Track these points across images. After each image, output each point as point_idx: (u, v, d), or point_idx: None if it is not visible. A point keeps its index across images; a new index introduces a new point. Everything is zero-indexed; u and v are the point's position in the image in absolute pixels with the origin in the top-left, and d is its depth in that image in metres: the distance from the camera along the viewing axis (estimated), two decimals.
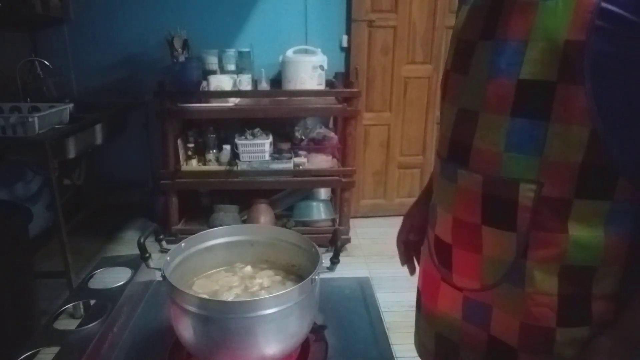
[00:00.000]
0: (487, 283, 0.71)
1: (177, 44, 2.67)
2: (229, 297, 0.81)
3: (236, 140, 2.68)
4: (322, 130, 2.92)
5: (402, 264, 1.03)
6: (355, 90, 2.69)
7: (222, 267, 0.91)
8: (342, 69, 3.10)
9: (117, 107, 2.80)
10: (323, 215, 2.89)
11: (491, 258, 0.70)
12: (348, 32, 3.05)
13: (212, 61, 2.79)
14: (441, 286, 0.79)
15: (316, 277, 0.75)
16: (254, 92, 2.86)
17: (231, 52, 2.83)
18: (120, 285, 0.95)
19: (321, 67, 2.76)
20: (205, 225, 2.76)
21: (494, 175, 0.67)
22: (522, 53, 0.62)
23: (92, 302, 0.93)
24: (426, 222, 0.87)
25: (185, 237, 0.86)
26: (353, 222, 3.02)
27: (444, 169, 0.77)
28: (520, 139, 0.64)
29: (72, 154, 2.15)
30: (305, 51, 2.86)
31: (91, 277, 1.00)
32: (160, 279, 0.75)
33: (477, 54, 0.69)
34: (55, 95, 2.67)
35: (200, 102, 2.69)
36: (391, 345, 0.86)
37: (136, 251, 0.80)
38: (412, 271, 1.01)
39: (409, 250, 1.01)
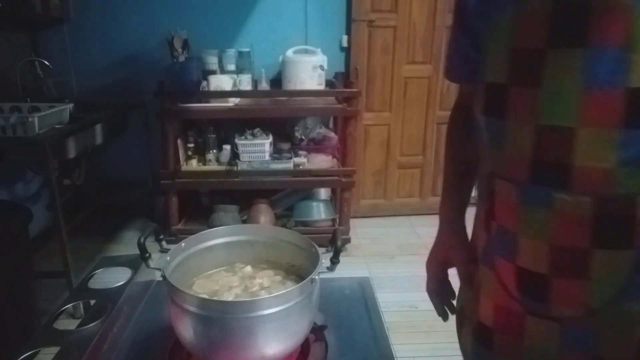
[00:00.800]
0: (595, 307, 0.66)
1: (177, 44, 2.67)
2: (229, 297, 0.81)
3: (236, 140, 2.69)
4: (322, 130, 2.92)
5: (439, 313, 0.97)
6: (355, 90, 2.69)
7: (222, 267, 0.91)
8: (342, 69, 3.10)
9: (117, 107, 2.80)
10: (323, 215, 2.89)
11: (601, 281, 0.65)
12: (348, 32, 3.05)
13: (212, 61, 2.79)
14: (527, 320, 0.72)
15: (316, 277, 0.75)
16: (254, 92, 2.86)
17: (231, 52, 2.83)
18: (120, 285, 0.95)
19: (321, 67, 2.76)
20: (205, 225, 2.76)
21: (607, 194, 0.61)
22: (626, 60, 0.57)
23: (92, 302, 0.93)
24: (469, 258, 0.81)
25: (185, 237, 0.86)
26: (353, 222, 3.02)
27: (527, 194, 0.68)
28: (638, 151, 0.59)
29: (72, 154, 2.15)
30: (305, 51, 2.86)
31: (91, 277, 1.00)
32: (160, 279, 0.75)
33: (552, 64, 0.63)
34: (55, 95, 2.67)
35: (200, 102, 2.69)
36: (391, 345, 0.86)
37: (136, 251, 0.80)
38: (446, 318, 0.96)
39: (445, 297, 0.96)
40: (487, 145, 0.73)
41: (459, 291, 0.90)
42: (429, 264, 0.96)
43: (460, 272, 0.88)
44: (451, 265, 0.93)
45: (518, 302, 0.72)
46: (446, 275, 0.95)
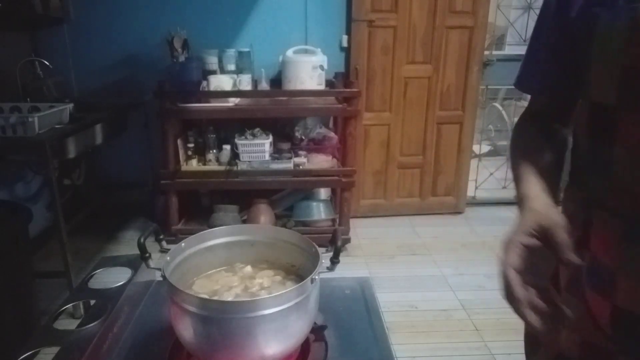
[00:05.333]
0: None
1: (177, 44, 2.67)
2: (229, 297, 0.81)
3: (236, 140, 2.69)
4: (322, 130, 2.93)
5: (522, 312, 0.58)
6: (355, 90, 2.69)
7: (222, 267, 0.91)
8: (342, 69, 3.10)
9: (117, 107, 2.80)
10: (323, 215, 2.89)
11: None
12: (348, 32, 3.05)
13: (212, 61, 2.79)
14: (619, 359, 0.67)
15: (316, 277, 0.75)
16: (254, 92, 2.86)
17: (231, 52, 2.83)
18: (120, 285, 0.95)
19: (321, 67, 2.76)
20: (205, 225, 2.76)
21: None
22: None
23: (92, 302, 0.93)
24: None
25: (185, 237, 0.86)
26: (353, 222, 3.03)
27: (634, 232, 0.60)
28: None
29: (72, 154, 2.15)
30: (305, 51, 2.86)
31: (91, 277, 1.00)
32: (160, 279, 0.74)
33: None
34: (55, 95, 2.67)
35: (200, 102, 2.69)
36: (391, 345, 0.86)
37: (136, 251, 0.80)
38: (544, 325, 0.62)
39: (538, 278, 0.62)
40: (588, 169, 0.65)
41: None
42: (513, 231, 0.63)
43: (561, 242, 0.57)
44: (545, 237, 0.60)
45: (610, 341, 0.66)
46: (538, 243, 0.61)
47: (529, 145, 0.77)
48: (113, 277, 0.98)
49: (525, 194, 0.69)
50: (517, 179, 0.74)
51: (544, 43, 0.72)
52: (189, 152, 2.81)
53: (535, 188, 0.69)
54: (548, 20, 0.71)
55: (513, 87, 0.83)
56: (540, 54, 0.74)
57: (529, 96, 0.83)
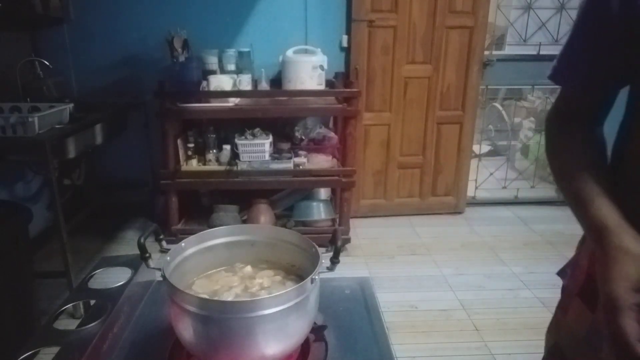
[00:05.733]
0: None
1: (177, 44, 2.67)
2: (229, 297, 0.81)
3: (236, 140, 2.68)
4: (322, 130, 2.93)
5: None
6: (355, 90, 2.69)
7: (222, 267, 0.91)
8: (342, 69, 3.10)
9: (117, 107, 2.80)
10: (323, 215, 2.89)
11: None
12: (348, 32, 3.05)
13: (212, 61, 2.79)
14: None
15: (316, 277, 0.75)
16: (254, 92, 2.86)
17: (231, 52, 2.83)
18: (120, 285, 0.95)
19: (321, 67, 2.76)
20: (205, 225, 2.76)
21: None
22: None
23: (92, 302, 0.93)
24: None
25: (185, 237, 0.86)
26: (353, 222, 3.03)
27: None
28: None
29: (72, 154, 2.15)
30: (305, 51, 2.86)
31: (91, 277, 1.00)
32: (160, 279, 0.74)
33: None
34: (55, 95, 2.67)
35: (200, 102, 2.69)
36: (391, 345, 0.86)
37: (136, 251, 0.80)
38: None
39: None
40: None
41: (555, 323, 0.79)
42: (616, 284, 0.54)
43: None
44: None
45: None
46: None
47: (580, 158, 0.69)
48: (113, 277, 0.98)
49: (603, 223, 0.59)
50: (581, 202, 0.64)
51: (586, 35, 0.69)
52: (189, 152, 2.81)
53: (613, 216, 0.60)
54: (590, 11, 0.68)
55: (550, 80, 0.76)
56: (582, 45, 0.70)
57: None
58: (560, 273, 0.83)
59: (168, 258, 0.80)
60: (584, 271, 0.72)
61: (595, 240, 0.60)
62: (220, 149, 2.78)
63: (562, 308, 0.79)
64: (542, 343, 0.84)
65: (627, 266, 0.54)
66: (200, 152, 2.82)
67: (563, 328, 0.76)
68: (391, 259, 2.79)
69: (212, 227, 0.91)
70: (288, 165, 2.73)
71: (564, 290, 0.81)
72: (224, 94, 2.71)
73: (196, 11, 2.96)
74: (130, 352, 0.83)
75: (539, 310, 2.23)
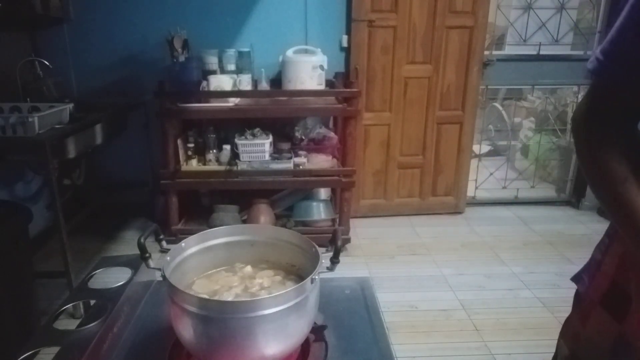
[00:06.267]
0: None
1: (177, 44, 2.67)
2: (229, 297, 0.81)
3: (236, 140, 2.68)
4: (322, 130, 2.93)
5: None
6: (355, 90, 2.69)
7: (222, 267, 0.91)
8: (342, 69, 3.10)
9: (117, 107, 2.79)
10: (323, 215, 2.89)
11: None
12: (348, 32, 3.05)
13: (212, 61, 2.79)
14: None
15: (316, 277, 0.75)
16: (254, 92, 2.86)
17: (231, 52, 2.83)
18: (120, 285, 0.95)
19: (321, 67, 2.76)
20: (205, 225, 2.76)
21: None
22: None
23: (92, 302, 0.93)
24: None
25: (185, 237, 0.86)
26: (353, 222, 3.03)
27: None
28: None
29: (72, 154, 2.14)
30: (305, 51, 2.86)
31: (91, 277, 1.00)
32: (160, 279, 0.74)
33: None
34: (55, 95, 2.67)
35: (200, 102, 2.69)
36: (391, 345, 0.86)
37: (136, 251, 0.80)
38: None
39: None
40: None
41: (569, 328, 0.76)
42: None
43: None
44: None
45: None
46: None
47: (630, 165, 0.64)
48: (113, 277, 0.98)
49: None
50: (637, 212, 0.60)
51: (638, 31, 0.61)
52: (189, 152, 2.81)
53: None
54: None
55: (596, 77, 0.67)
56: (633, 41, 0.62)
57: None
58: (575, 278, 0.79)
59: (168, 258, 0.80)
60: (609, 278, 0.69)
61: None
62: (220, 149, 2.78)
63: (580, 317, 0.75)
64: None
65: None
66: (200, 152, 2.82)
67: (582, 339, 0.73)
68: (391, 259, 2.79)
69: (212, 227, 0.91)
70: (288, 165, 2.73)
71: (580, 297, 0.77)
72: (224, 94, 2.71)
73: (196, 11, 2.96)
74: (130, 352, 0.83)
75: (539, 310, 2.23)
